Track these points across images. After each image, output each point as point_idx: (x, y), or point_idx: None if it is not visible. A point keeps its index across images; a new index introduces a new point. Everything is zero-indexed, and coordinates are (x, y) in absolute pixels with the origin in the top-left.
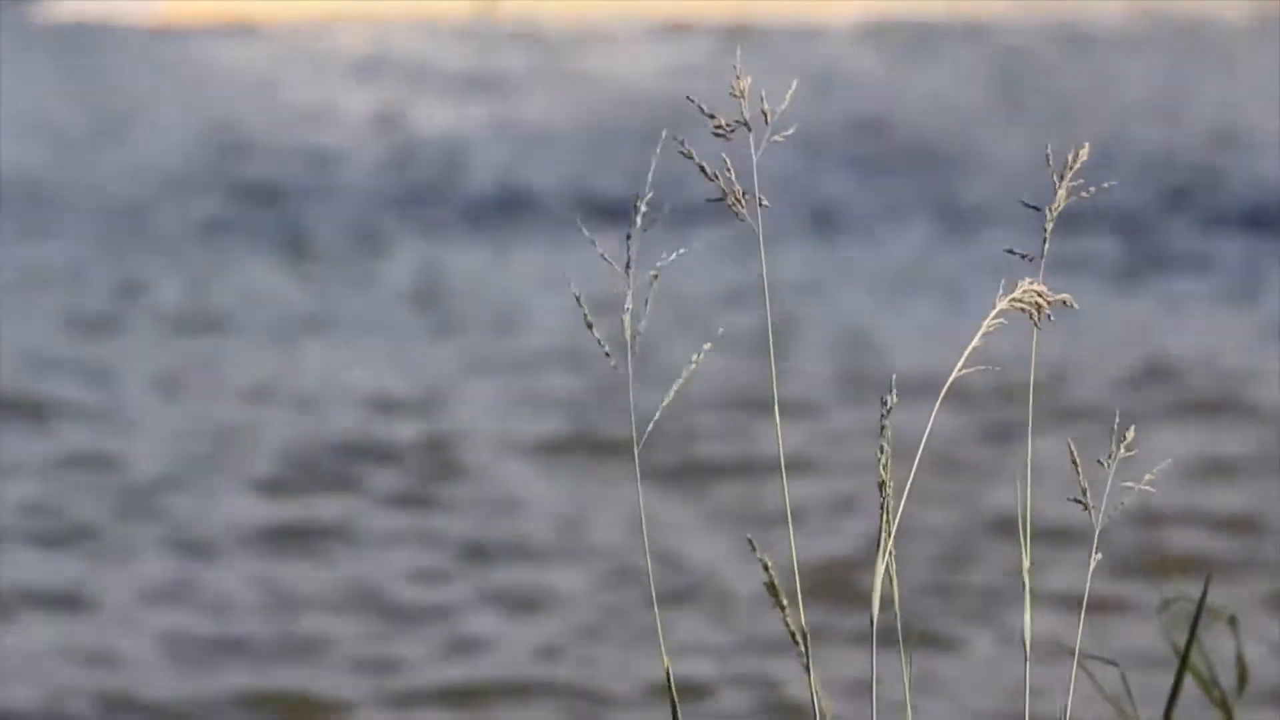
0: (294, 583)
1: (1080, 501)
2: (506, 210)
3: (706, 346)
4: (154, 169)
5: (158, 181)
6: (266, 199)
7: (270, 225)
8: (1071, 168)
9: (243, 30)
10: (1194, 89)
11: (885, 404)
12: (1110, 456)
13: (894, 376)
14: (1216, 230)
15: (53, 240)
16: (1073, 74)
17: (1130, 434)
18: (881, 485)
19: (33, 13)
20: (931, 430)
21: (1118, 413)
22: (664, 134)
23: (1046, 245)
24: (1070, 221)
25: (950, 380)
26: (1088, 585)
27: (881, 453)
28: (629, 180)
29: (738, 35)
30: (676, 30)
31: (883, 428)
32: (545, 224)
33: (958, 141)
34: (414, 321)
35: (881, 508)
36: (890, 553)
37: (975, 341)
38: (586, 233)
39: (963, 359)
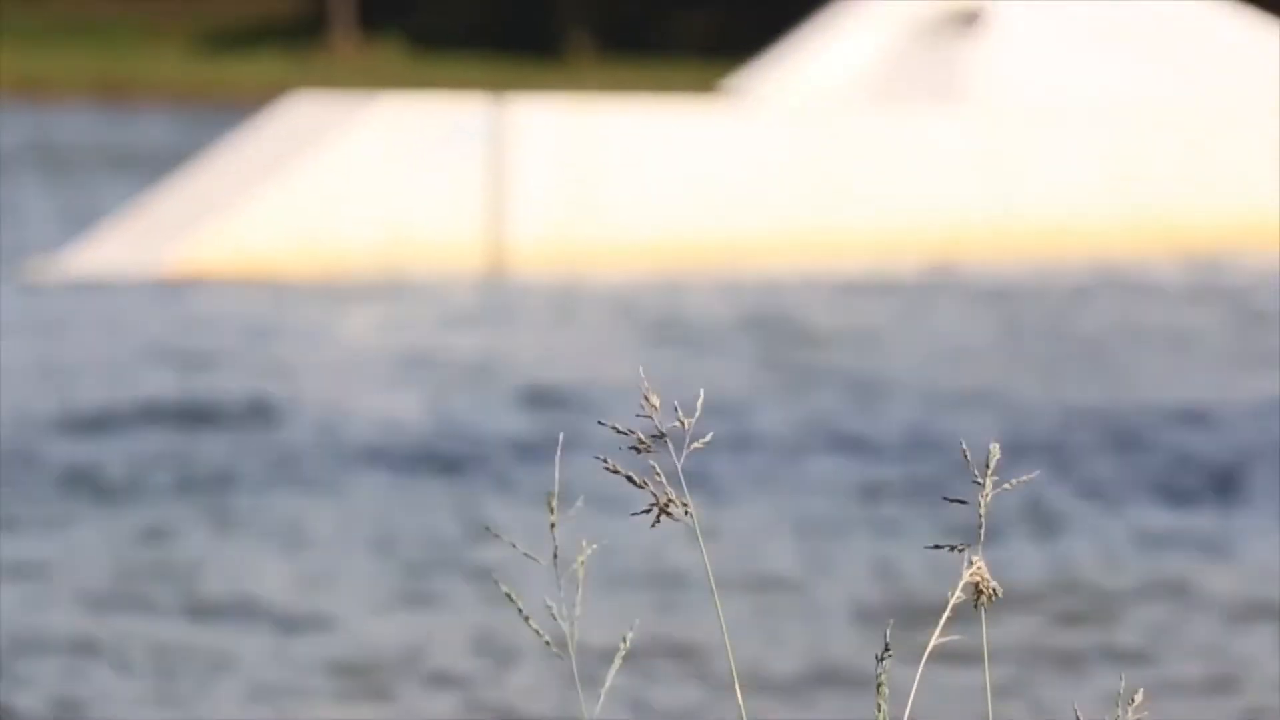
0: None
1: None
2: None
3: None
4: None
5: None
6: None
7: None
8: (989, 468)
9: (254, 284)
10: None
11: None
12: None
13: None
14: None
15: None
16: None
17: None
18: None
19: (31, 271)
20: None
21: None
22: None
23: (982, 533)
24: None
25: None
26: None
27: None
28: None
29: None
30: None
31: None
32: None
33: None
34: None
35: None
36: None
37: (936, 638)
38: (503, 536)
39: (927, 650)
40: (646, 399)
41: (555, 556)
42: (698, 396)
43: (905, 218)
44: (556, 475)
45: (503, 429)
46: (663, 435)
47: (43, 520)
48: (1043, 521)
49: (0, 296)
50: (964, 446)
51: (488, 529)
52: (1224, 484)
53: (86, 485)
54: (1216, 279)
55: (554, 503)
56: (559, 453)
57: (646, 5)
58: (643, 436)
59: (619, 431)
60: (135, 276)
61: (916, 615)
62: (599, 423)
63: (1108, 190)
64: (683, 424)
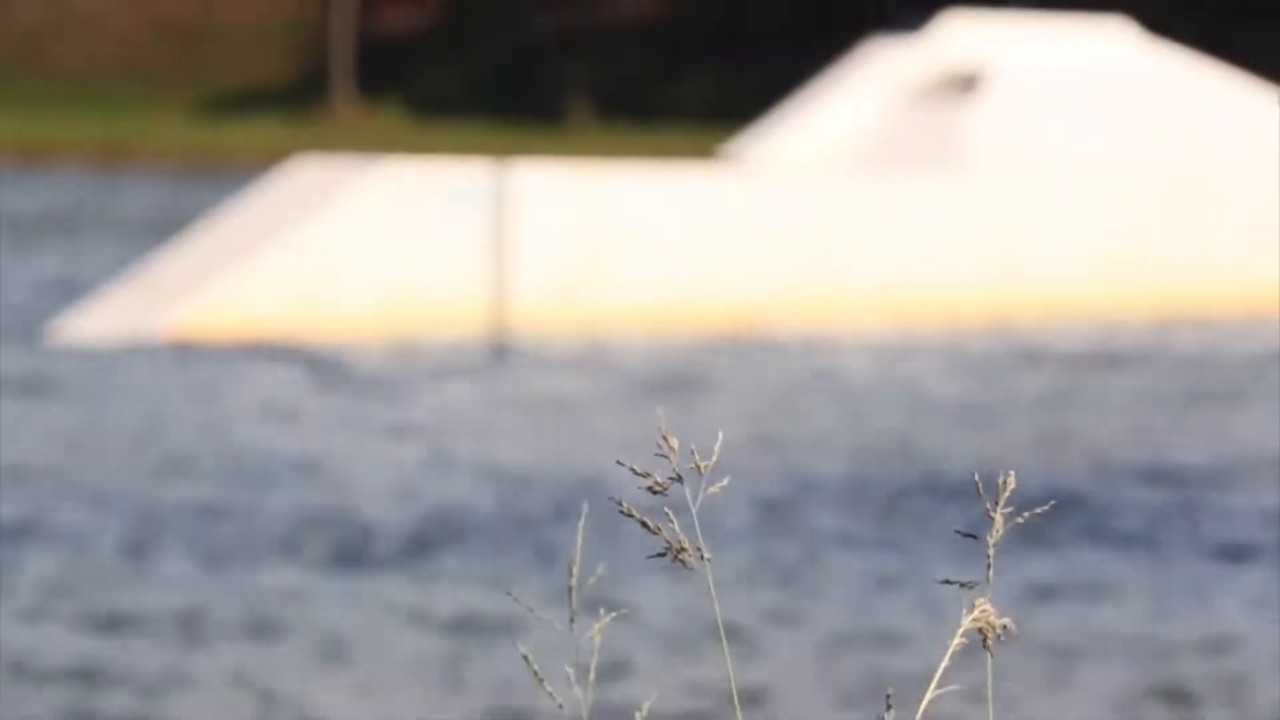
0: None
1: None
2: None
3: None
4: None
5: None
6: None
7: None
8: (1003, 496)
9: (262, 349)
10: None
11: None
12: None
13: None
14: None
15: None
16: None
17: None
18: None
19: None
20: None
21: None
22: (584, 509)
23: (990, 571)
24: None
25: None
26: None
27: None
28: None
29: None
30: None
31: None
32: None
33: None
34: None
35: None
36: None
37: (944, 662)
38: (521, 601)
39: (934, 681)
40: (664, 439)
41: (573, 620)
42: (714, 442)
43: (904, 280)
44: (579, 540)
45: (504, 493)
46: (679, 478)
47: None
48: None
49: (3, 360)
50: (977, 478)
51: (508, 594)
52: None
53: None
54: (1216, 344)
55: (575, 568)
56: (583, 518)
57: (646, 71)
58: (659, 480)
59: (636, 473)
60: (137, 340)
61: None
62: (617, 462)
63: (1107, 255)
64: (699, 468)
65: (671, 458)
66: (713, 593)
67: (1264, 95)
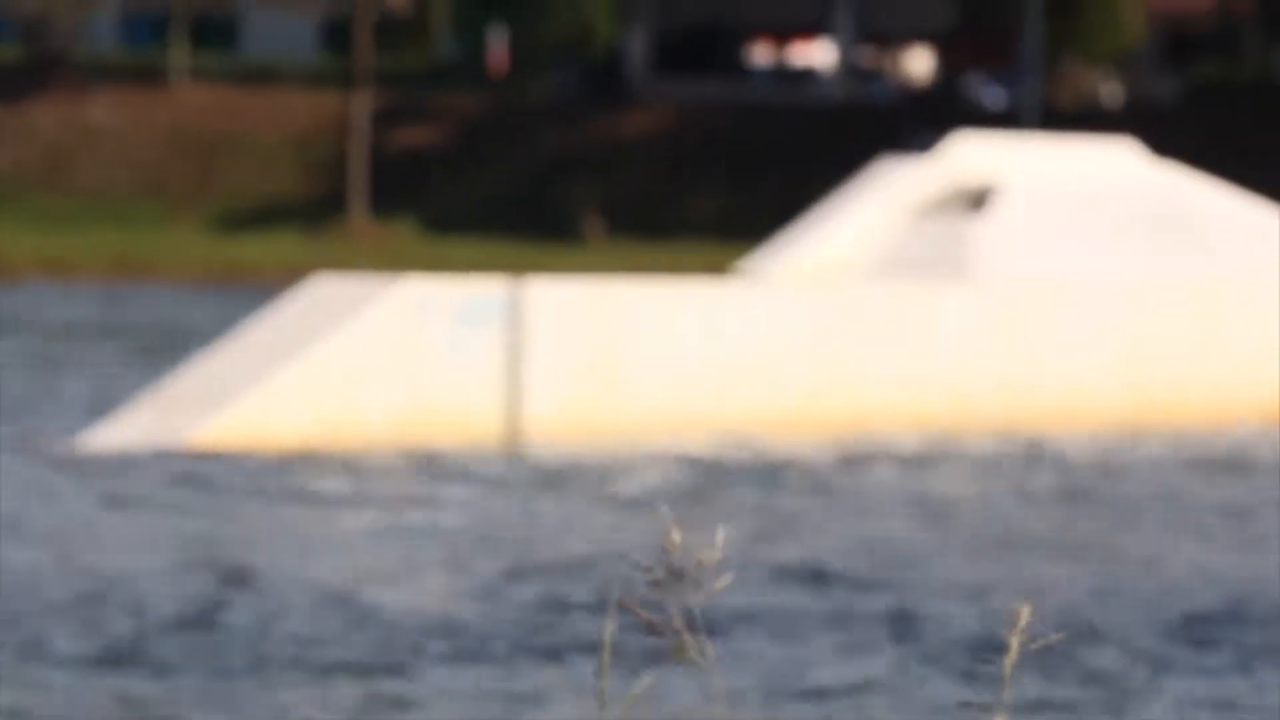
0: None
1: None
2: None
3: None
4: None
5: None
6: None
7: None
8: (1017, 626)
9: (271, 460)
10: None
11: None
12: None
13: None
14: None
15: None
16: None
17: None
18: None
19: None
20: None
21: None
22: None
23: (1005, 694)
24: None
25: None
26: None
27: None
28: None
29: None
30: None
31: None
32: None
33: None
34: None
35: None
36: None
37: None
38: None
39: None
40: (669, 536)
41: (602, 708)
42: (717, 536)
43: (914, 390)
44: (607, 635)
45: (525, 599)
46: (681, 573)
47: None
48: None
49: (27, 472)
50: (1015, 612)
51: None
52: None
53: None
54: (1224, 454)
55: (604, 658)
56: (611, 611)
57: (658, 188)
58: (661, 574)
59: (641, 568)
60: (158, 452)
61: None
62: (620, 557)
63: (1113, 365)
64: (700, 564)
65: (673, 552)
66: (717, 690)
67: (1264, 209)
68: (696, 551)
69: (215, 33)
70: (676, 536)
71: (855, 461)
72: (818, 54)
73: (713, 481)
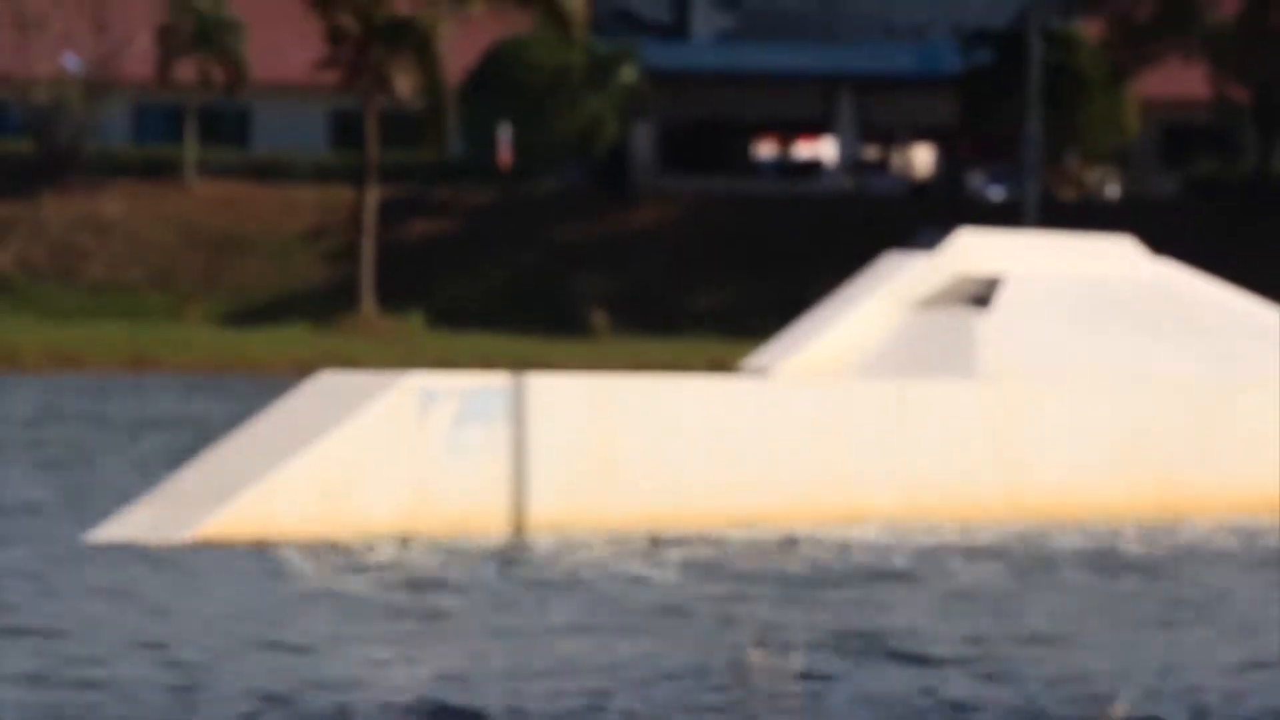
0: None
1: None
2: None
3: None
4: None
5: None
6: None
7: None
8: None
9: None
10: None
11: None
12: None
13: None
14: None
15: None
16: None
17: None
18: None
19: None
20: None
21: None
22: None
23: None
24: None
25: None
26: None
27: None
28: None
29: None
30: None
31: None
32: None
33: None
34: None
35: None
36: None
37: None
38: None
39: None
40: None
41: None
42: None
43: (918, 486)
44: None
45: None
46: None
47: None
48: None
49: (37, 565)
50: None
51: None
52: None
53: None
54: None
55: None
56: None
57: (664, 282)
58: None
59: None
60: (166, 545)
61: None
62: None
63: (1113, 458)
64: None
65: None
66: None
67: (1265, 308)
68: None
69: (226, 127)
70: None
71: (859, 551)
72: (822, 150)
73: (712, 574)
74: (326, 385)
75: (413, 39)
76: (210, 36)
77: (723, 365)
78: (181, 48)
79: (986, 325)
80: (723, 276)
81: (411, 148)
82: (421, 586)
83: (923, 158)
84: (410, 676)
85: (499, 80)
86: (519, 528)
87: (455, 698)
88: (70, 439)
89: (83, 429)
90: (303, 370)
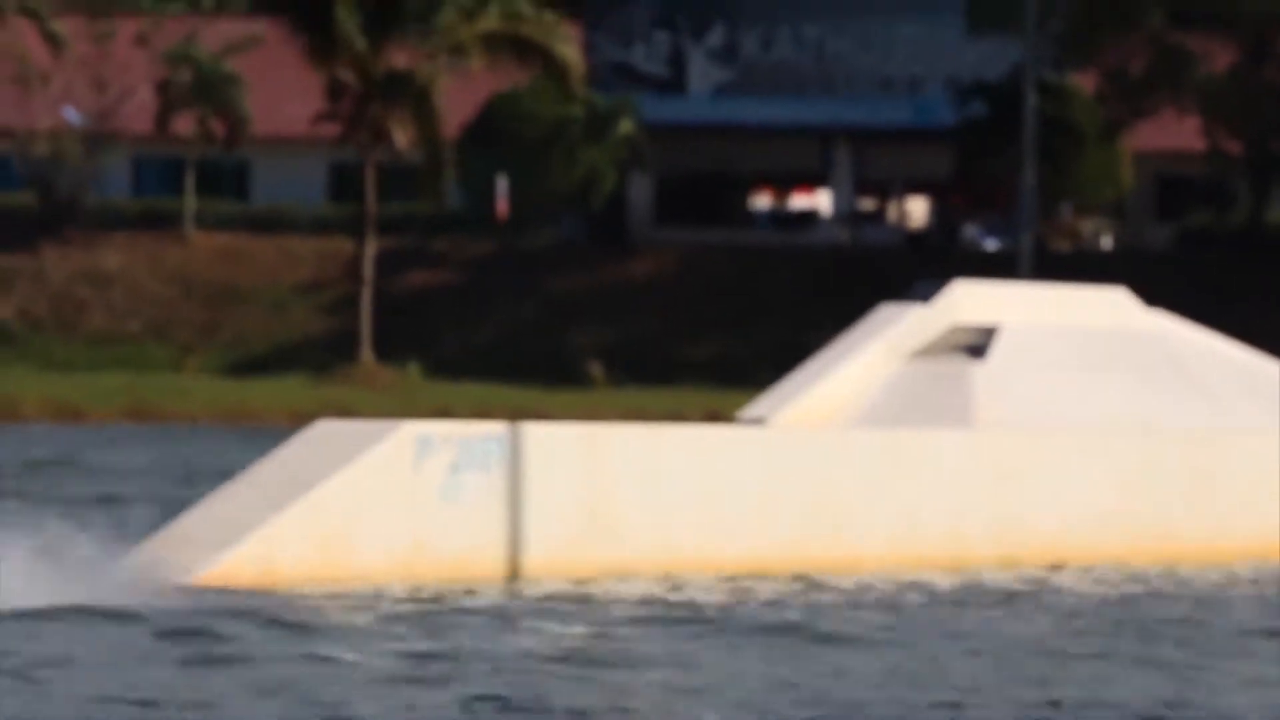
0: None
1: None
2: None
3: None
4: None
5: None
6: None
7: None
8: None
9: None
10: None
11: None
12: None
13: None
14: None
15: None
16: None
17: None
18: None
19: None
20: None
21: None
22: None
23: None
24: None
25: None
26: None
27: None
28: None
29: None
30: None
31: None
32: None
33: None
34: None
35: None
36: None
37: None
38: None
39: None
40: None
41: None
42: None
43: (913, 534)
44: None
45: None
46: None
47: None
48: None
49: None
50: None
51: None
52: None
53: None
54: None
55: None
56: None
57: (660, 333)
58: None
59: None
60: (163, 593)
61: None
62: None
63: (1108, 508)
64: None
65: None
66: None
67: (1258, 359)
68: None
69: (226, 180)
70: None
71: (853, 605)
72: (818, 201)
73: (710, 624)
74: (325, 433)
75: (410, 92)
76: (209, 90)
77: (719, 415)
78: (181, 101)
79: (982, 375)
80: (719, 327)
81: (409, 200)
82: None
83: (918, 209)
84: None
85: (497, 132)
86: (514, 575)
87: None
88: (66, 485)
89: (76, 476)
90: (301, 420)
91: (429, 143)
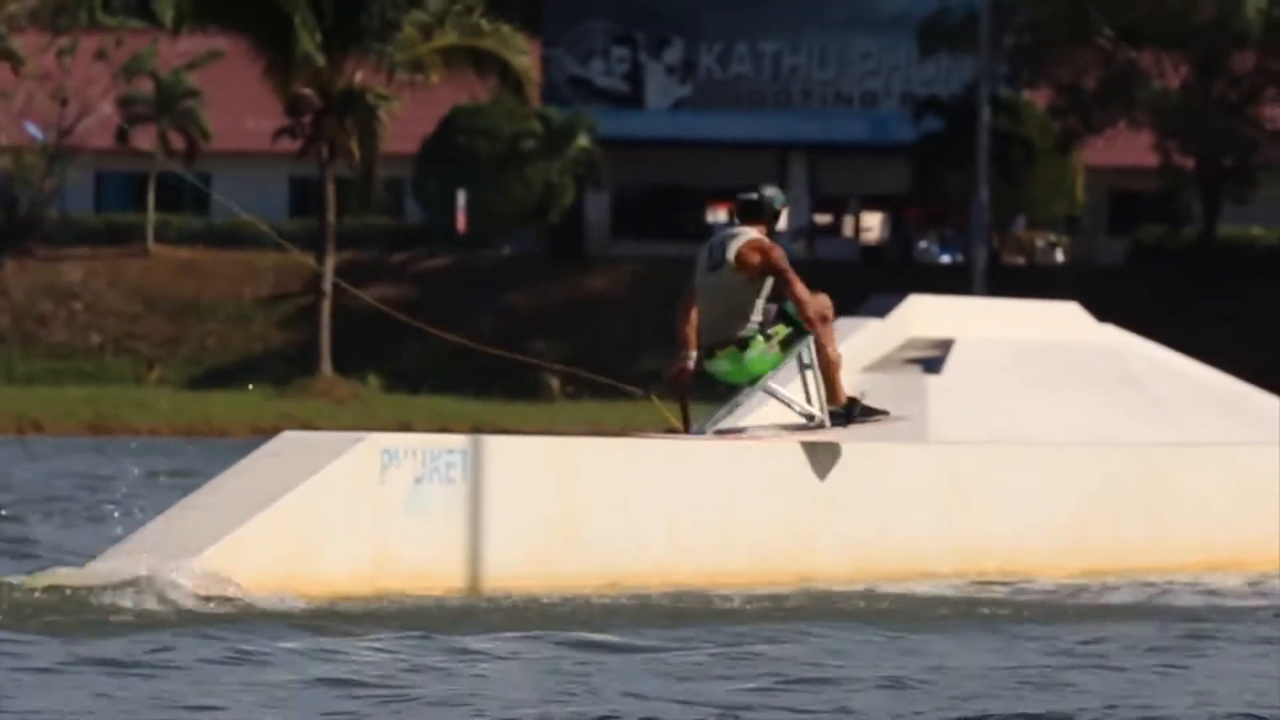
0: None
1: None
2: None
3: None
4: None
5: None
6: None
7: None
8: None
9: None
10: None
11: None
12: None
13: None
14: None
15: None
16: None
17: None
18: None
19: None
20: None
21: None
22: None
23: None
24: None
25: None
26: None
27: None
28: None
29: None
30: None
31: None
32: None
33: None
34: None
35: None
36: None
37: None
38: None
39: None
40: None
41: None
42: None
43: (868, 547)
44: None
45: None
46: None
47: None
48: None
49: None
50: None
51: None
52: None
53: None
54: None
55: None
56: None
57: (618, 346)
58: None
59: None
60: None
61: None
62: None
63: (1062, 522)
64: None
65: None
66: None
67: (1210, 372)
68: None
69: (187, 194)
70: None
71: (803, 615)
72: None
73: (673, 636)
74: (289, 444)
75: (362, 109)
76: (170, 105)
77: (676, 428)
78: (142, 116)
79: (937, 389)
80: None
81: (370, 214)
82: None
83: (874, 224)
84: None
85: (455, 147)
86: (475, 585)
87: None
88: (25, 499)
89: (39, 490)
90: (264, 434)
91: (365, 159)
